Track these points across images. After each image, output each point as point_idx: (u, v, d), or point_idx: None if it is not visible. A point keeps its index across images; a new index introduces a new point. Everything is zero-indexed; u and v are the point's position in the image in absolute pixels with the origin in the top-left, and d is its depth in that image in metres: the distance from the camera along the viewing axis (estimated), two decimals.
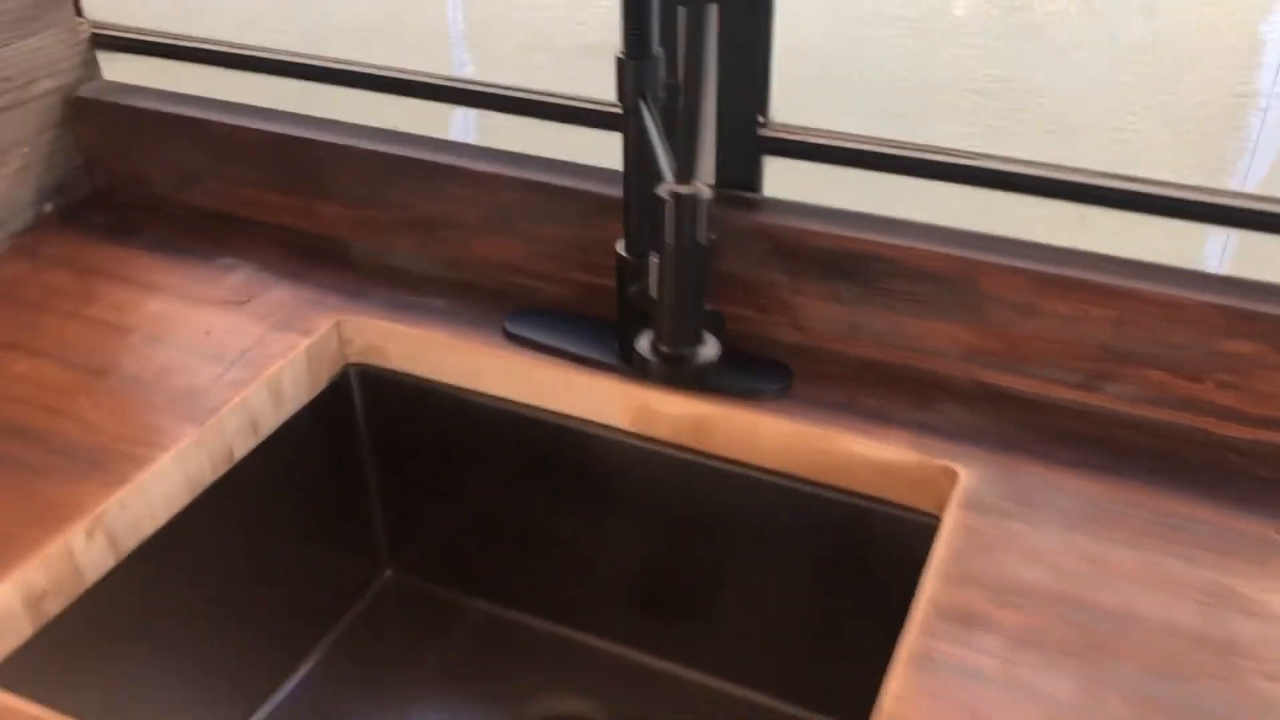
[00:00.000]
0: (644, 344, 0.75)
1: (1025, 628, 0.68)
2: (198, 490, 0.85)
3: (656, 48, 0.74)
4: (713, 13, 0.64)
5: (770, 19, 0.86)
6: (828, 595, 0.88)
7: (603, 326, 0.91)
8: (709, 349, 0.75)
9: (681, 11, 0.63)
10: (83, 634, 0.77)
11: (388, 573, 1.09)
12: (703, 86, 0.64)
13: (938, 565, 0.72)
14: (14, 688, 0.67)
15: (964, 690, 0.64)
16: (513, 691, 0.98)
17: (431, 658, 1.01)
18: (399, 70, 1.05)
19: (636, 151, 0.76)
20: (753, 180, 0.93)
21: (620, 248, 0.84)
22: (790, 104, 0.91)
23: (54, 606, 0.75)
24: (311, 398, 0.95)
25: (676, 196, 0.66)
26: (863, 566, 0.85)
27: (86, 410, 0.87)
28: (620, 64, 0.74)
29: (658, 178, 0.67)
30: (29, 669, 0.72)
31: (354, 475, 1.03)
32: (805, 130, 0.91)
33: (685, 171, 0.65)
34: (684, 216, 0.66)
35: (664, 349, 0.73)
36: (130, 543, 0.80)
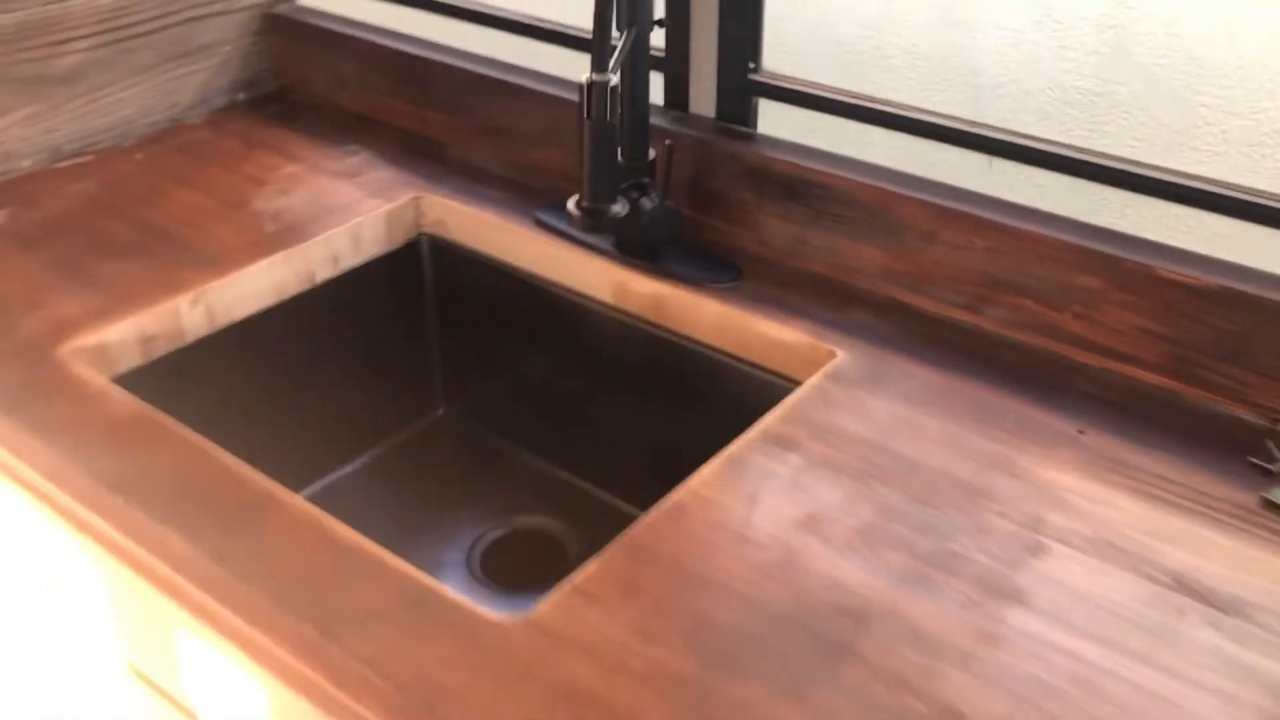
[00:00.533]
0: (570, 203, 0.97)
1: (826, 456, 0.86)
2: (283, 297, 1.14)
3: None
4: None
5: None
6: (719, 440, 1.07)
7: (598, 217, 1.14)
8: (619, 206, 0.96)
9: None
10: (176, 378, 1.06)
11: (440, 410, 1.35)
12: (605, 8, 0.86)
13: (782, 408, 0.91)
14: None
15: (753, 484, 0.83)
16: (502, 506, 1.22)
17: (456, 475, 1.27)
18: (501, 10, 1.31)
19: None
20: (746, 117, 1.13)
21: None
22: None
23: (159, 349, 1.05)
24: (387, 251, 1.23)
25: (590, 84, 0.88)
26: (747, 420, 1.02)
27: (218, 228, 1.17)
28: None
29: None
30: (134, 388, 1.01)
31: (417, 321, 1.29)
32: (789, 79, 1.11)
33: (600, 65, 0.87)
34: (595, 99, 0.88)
35: (584, 204, 0.95)
36: (223, 320, 1.09)
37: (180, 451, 0.88)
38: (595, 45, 0.87)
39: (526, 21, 1.29)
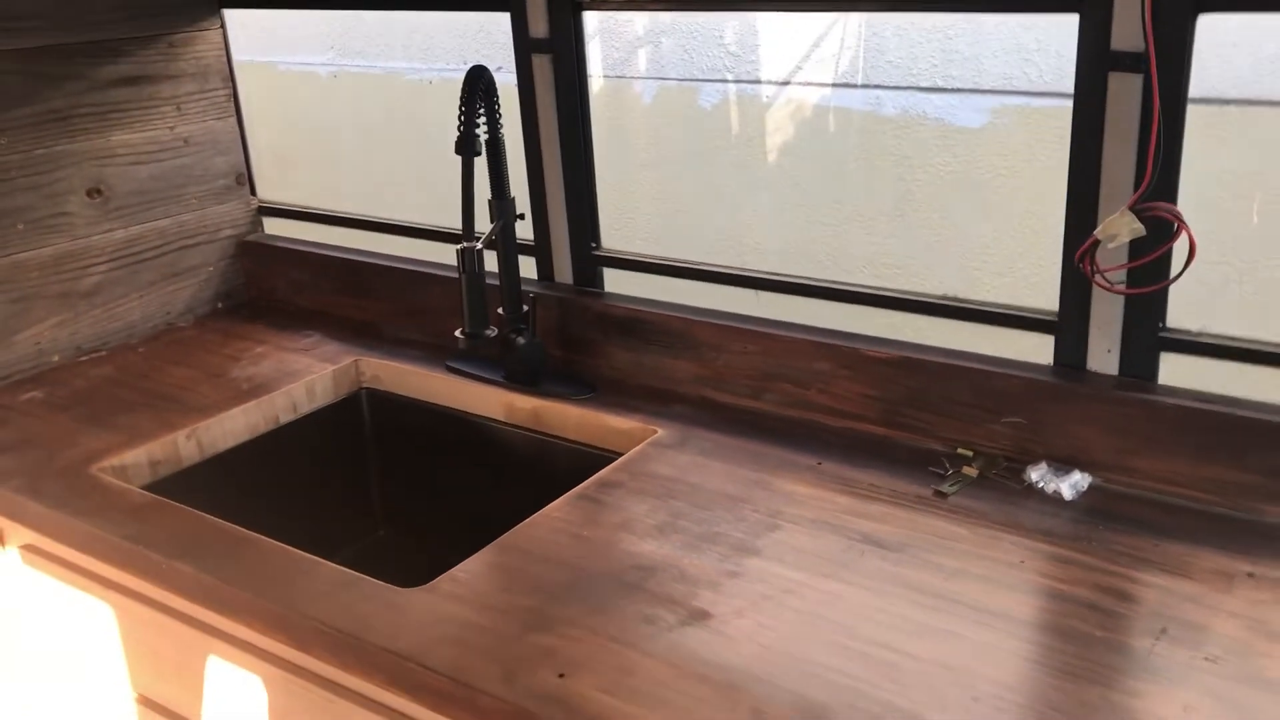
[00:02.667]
0: (457, 333, 1.37)
1: (639, 487, 1.23)
2: (255, 434, 1.51)
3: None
4: (496, 149, 1.31)
5: (593, 185, 1.52)
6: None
7: (495, 364, 1.54)
8: (489, 332, 1.36)
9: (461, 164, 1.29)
10: (177, 493, 1.42)
11: (381, 532, 1.70)
12: (471, 199, 1.30)
13: (613, 465, 1.29)
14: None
15: (586, 508, 1.20)
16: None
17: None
18: (419, 223, 1.76)
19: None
20: (594, 281, 1.56)
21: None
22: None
23: (164, 470, 1.41)
24: (335, 400, 1.61)
25: (462, 249, 1.30)
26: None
27: (204, 389, 1.56)
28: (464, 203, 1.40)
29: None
30: (159, 521, 1.36)
31: (360, 456, 1.66)
32: (624, 252, 1.54)
33: (469, 236, 1.30)
34: (466, 259, 1.30)
35: (465, 331, 1.35)
36: (210, 450, 1.46)
37: (183, 519, 1.23)
38: (464, 224, 1.30)
39: (433, 228, 1.73)
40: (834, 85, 2.18)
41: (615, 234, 1.59)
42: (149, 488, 1.37)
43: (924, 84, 2.07)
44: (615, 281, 1.57)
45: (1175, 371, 1.21)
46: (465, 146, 1.29)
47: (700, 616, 1.01)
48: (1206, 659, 0.92)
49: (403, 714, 1.01)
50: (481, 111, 1.36)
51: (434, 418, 1.58)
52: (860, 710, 0.88)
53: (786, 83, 2.28)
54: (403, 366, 1.61)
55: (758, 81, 2.32)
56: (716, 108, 2.33)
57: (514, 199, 1.46)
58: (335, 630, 1.02)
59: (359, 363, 1.64)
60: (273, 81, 2.96)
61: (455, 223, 1.69)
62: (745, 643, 0.97)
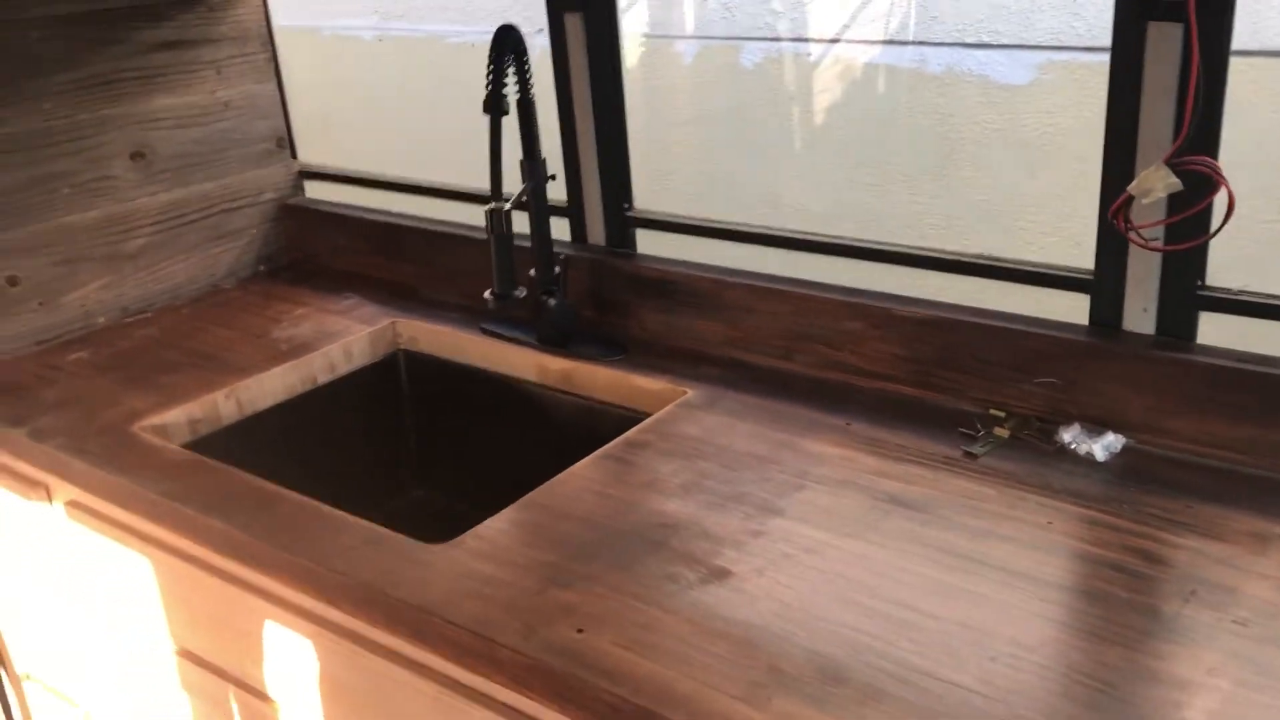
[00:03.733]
0: (486, 294, 1.37)
1: (667, 448, 1.23)
2: (293, 394, 1.54)
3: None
4: (527, 110, 1.31)
5: (625, 146, 1.51)
6: None
7: (528, 325, 1.54)
8: (518, 292, 1.37)
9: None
10: (215, 452, 1.44)
11: (416, 491, 1.72)
12: (499, 159, 1.30)
13: (642, 425, 1.29)
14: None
15: (614, 467, 1.20)
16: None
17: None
18: (450, 185, 1.76)
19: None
20: (626, 242, 1.56)
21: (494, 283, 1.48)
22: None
23: (203, 429, 1.44)
24: (372, 361, 1.63)
25: (491, 210, 1.30)
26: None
27: (245, 350, 1.58)
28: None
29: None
30: (196, 479, 1.39)
31: (397, 415, 1.68)
32: (657, 212, 1.54)
33: (496, 197, 1.30)
34: (494, 220, 1.30)
35: (495, 291, 1.35)
36: (249, 409, 1.49)
37: (218, 476, 1.25)
38: (492, 184, 1.30)
39: (469, 191, 1.73)
40: (878, 43, 2.15)
41: (654, 194, 1.58)
42: (188, 446, 1.39)
43: (970, 40, 2.03)
44: (652, 243, 1.57)
45: (1224, 333, 1.19)
46: (493, 106, 1.29)
47: (721, 575, 1.01)
48: (1235, 621, 0.90)
49: (424, 665, 1.03)
50: (512, 71, 1.36)
51: (468, 379, 1.59)
52: (876, 668, 0.88)
53: (832, 40, 2.25)
54: (438, 328, 1.62)
55: (800, 39, 2.29)
56: (758, 67, 2.30)
57: (545, 160, 1.45)
58: (361, 584, 1.04)
59: (396, 324, 1.66)
60: (317, 46, 2.98)
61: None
62: (765, 600, 0.97)
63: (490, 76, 1.29)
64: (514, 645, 0.94)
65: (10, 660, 1.64)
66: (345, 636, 1.08)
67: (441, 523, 1.63)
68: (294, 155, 1.94)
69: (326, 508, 1.17)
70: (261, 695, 1.23)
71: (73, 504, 1.36)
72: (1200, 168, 1.04)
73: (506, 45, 1.31)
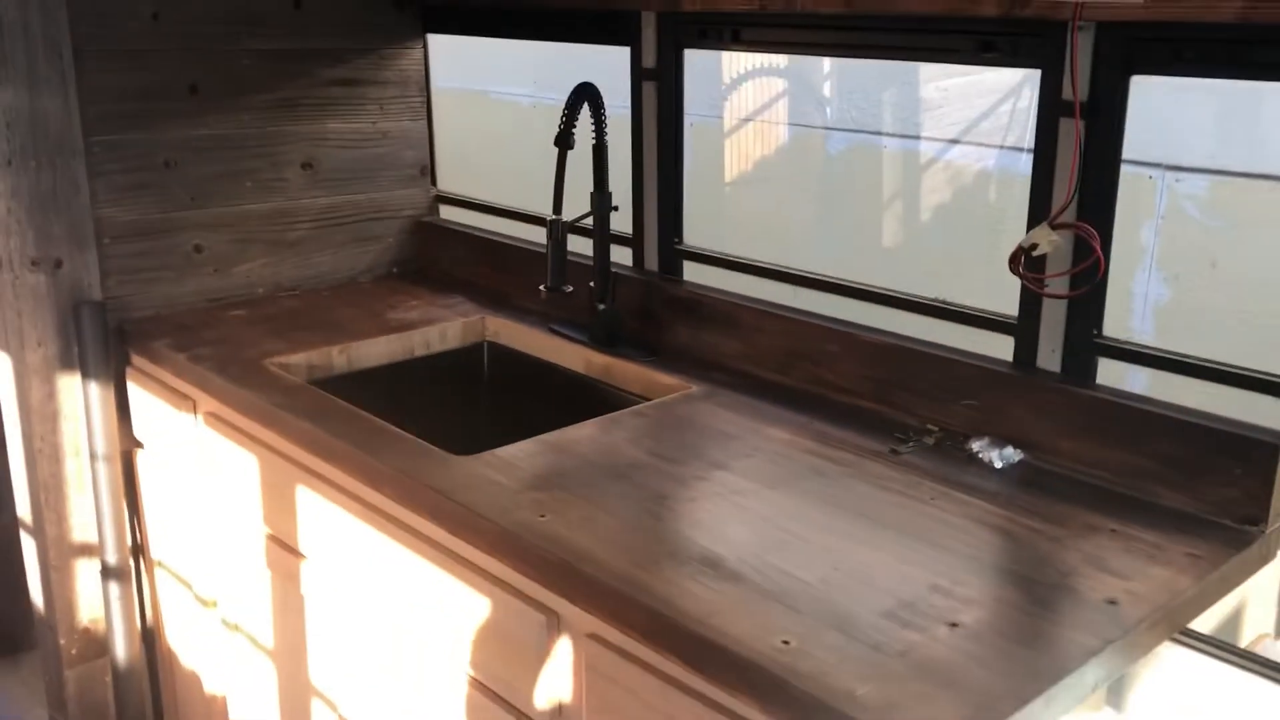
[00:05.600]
0: (541, 286, 1.71)
1: (658, 420, 1.54)
2: (393, 360, 1.91)
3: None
4: (600, 151, 1.66)
5: (680, 191, 1.85)
6: None
7: (584, 327, 1.88)
8: (568, 289, 1.71)
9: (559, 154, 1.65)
10: (325, 389, 1.82)
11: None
12: (562, 183, 1.65)
13: (646, 404, 1.59)
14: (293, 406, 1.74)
15: (611, 426, 1.51)
16: None
17: None
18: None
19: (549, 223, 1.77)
20: (675, 270, 1.88)
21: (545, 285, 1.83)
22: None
23: (318, 374, 1.83)
24: (461, 346, 2.00)
25: (553, 221, 1.65)
26: None
27: (361, 323, 1.97)
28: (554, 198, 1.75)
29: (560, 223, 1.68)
30: (303, 399, 1.77)
31: (475, 394, 2.03)
32: (699, 247, 1.86)
33: (557, 209, 1.64)
34: (554, 229, 1.65)
35: (548, 285, 1.69)
36: (356, 365, 1.87)
37: (320, 400, 1.63)
38: (555, 201, 1.66)
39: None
40: (971, 144, 2.43)
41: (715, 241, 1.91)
42: (302, 390, 1.78)
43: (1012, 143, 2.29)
44: (697, 274, 1.89)
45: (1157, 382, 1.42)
46: (562, 140, 1.65)
47: (661, 498, 1.31)
48: (1025, 576, 1.15)
49: (420, 532, 1.36)
50: (591, 120, 1.72)
51: (533, 367, 1.94)
52: (745, 563, 1.16)
53: (948, 141, 2.53)
54: (518, 326, 1.98)
55: (909, 137, 2.59)
56: (841, 155, 2.62)
57: (610, 193, 1.80)
58: (399, 473, 1.38)
59: (485, 320, 2.02)
60: (483, 106, 3.45)
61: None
62: (685, 518, 1.26)
63: (564, 117, 1.65)
64: (490, 517, 1.26)
65: (149, 548, 2.05)
66: (381, 515, 1.42)
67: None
68: (434, 182, 2.36)
69: (391, 426, 1.52)
70: (322, 567, 1.58)
71: (211, 415, 1.76)
72: (1079, 230, 1.30)
73: (582, 96, 1.68)
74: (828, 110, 2.98)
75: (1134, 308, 2.39)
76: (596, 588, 1.14)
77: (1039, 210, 1.39)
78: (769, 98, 3.15)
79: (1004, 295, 1.60)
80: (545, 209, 2.19)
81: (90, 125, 1.90)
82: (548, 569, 1.19)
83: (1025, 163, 2.40)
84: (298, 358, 1.81)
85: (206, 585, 1.89)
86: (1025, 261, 1.36)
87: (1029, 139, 2.56)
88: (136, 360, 1.96)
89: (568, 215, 1.76)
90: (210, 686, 1.94)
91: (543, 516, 1.26)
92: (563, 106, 1.69)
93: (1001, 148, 2.68)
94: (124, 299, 1.99)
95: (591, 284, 1.83)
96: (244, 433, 1.68)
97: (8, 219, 1.83)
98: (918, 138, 2.86)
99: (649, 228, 1.90)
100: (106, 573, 1.97)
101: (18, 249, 1.85)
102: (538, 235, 2.15)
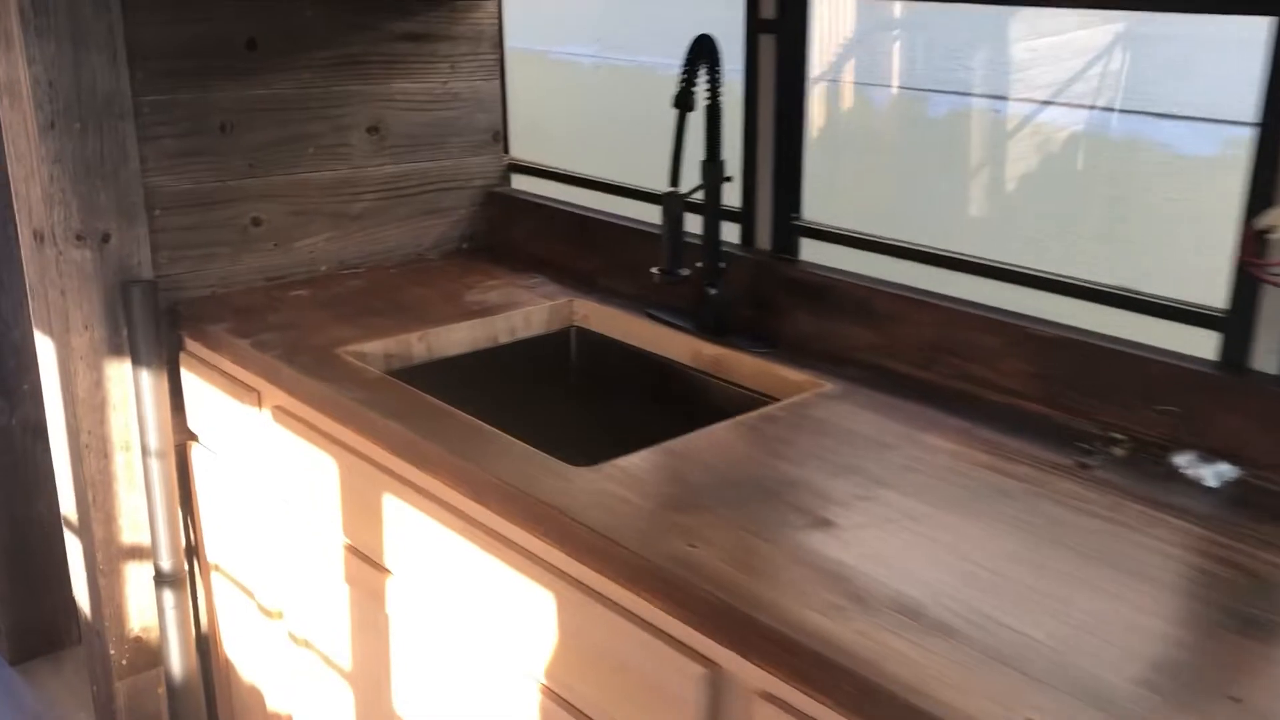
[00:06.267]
0: (654, 269, 1.51)
1: (795, 423, 1.34)
2: (476, 348, 1.72)
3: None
4: (714, 114, 1.45)
5: (800, 159, 1.64)
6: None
7: (687, 313, 1.68)
8: (685, 271, 1.50)
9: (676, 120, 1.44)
10: (405, 380, 1.63)
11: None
12: (681, 150, 1.45)
13: (777, 405, 1.40)
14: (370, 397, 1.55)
15: (746, 433, 1.32)
16: None
17: None
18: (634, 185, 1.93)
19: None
20: (791, 249, 1.68)
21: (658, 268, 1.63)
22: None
23: (396, 364, 1.64)
24: (548, 332, 1.80)
25: (669, 195, 1.45)
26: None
27: (438, 306, 1.78)
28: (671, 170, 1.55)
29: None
30: (386, 393, 1.59)
31: (562, 386, 1.84)
32: (821, 223, 1.66)
33: (674, 182, 1.44)
34: (671, 204, 1.45)
35: (662, 268, 1.49)
36: (437, 353, 1.68)
37: (403, 395, 1.44)
38: (671, 173, 1.46)
39: (649, 190, 1.89)
40: (1059, 104, 2.22)
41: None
42: (380, 381, 1.59)
43: (1155, 109, 2.08)
44: (811, 252, 1.69)
45: None
46: (681, 101, 1.45)
47: (825, 524, 1.11)
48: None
49: (535, 554, 1.16)
50: (705, 78, 1.51)
51: (628, 356, 1.74)
52: (947, 609, 0.96)
53: (1030, 101, 2.32)
54: (610, 310, 1.78)
55: (995, 97, 2.38)
56: (944, 119, 2.40)
57: (724, 162, 1.60)
58: (509, 486, 1.19)
59: (573, 303, 1.82)
60: (543, 67, 3.24)
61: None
62: (860, 548, 1.07)
63: (683, 76, 1.45)
64: (631, 546, 1.06)
65: (204, 551, 1.88)
66: (486, 532, 1.24)
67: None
68: (506, 150, 2.16)
69: (490, 428, 1.33)
70: (411, 583, 1.39)
71: (279, 409, 1.57)
72: None
73: (701, 51, 1.47)
74: (911, 70, 2.77)
75: None
76: (773, 640, 0.95)
77: (1263, 188, 1.19)
78: (847, 54, 2.93)
79: (1128, 271, 1.40)
80: (625, 178, 2.01)
81: (140, 84, 1.70)
82: (708, 613, 1.00)
83: (1117, 124, 2.20)
84: (374, 345, 1.62)
85: (271, 595, 1.71)
86: (1255, 246, 1.15)
87: (1120, 100, 2.36)
88: (191, 345, 1.78)
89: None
90: (274, 704, 1.77)
91: (693, 547, 1.07)
92: (682, 66, 1.48)
93: (1093, 108, 2.47)
94: (176, 277, 1.80)
95: (699, 264, 1.63)
96: (319, 430, 1.50)
97: (50, 188, 1.64)
98: (1006, 98, 2.64)
99: (762, 201, 1.70)
100: (160, 578, 1.80)
101: (61, 221, 1.66)
102: (621, 207, 1.96)
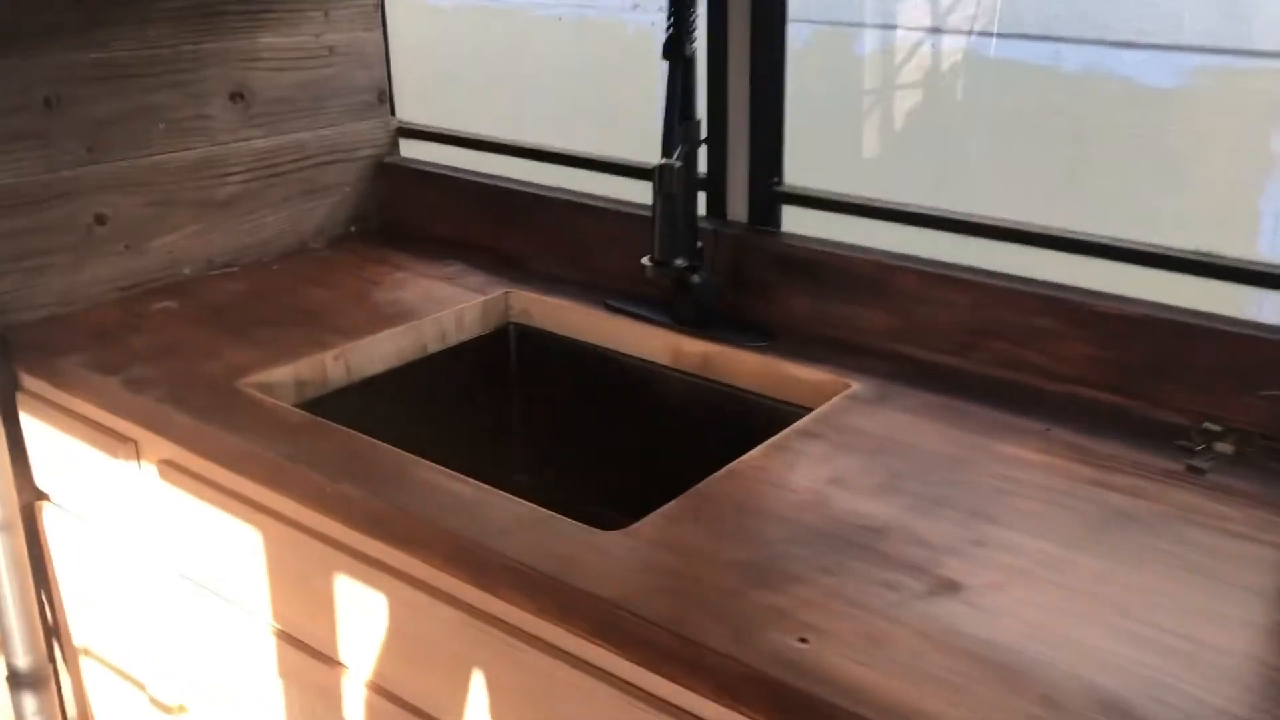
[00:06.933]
0: (645, 260, 1.25)
1: (845, 442, 1.10)
2: (402, 360, 1.41)
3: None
4: (687, 65, 1.18)
5: (782, 112, 1.39)
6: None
7: (660, 304, 1.42)
8: (681, 261, 1.24)
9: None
10: (327, 414, 1.32)
11: (518, 476, 1.59)
12: (675, 109, 1.17)
13: (811, 416, 1.16)
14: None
15: (790, 458, 1.08)
16: None
17: None
18: (569, 150, 1.64)
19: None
20: (771, 220, 1.43)
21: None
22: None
23: (312, 393, 1.31)
24: (483, 334, 1.51)
25: (662, 167, 1.18)
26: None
27: (347, 311, 1.45)
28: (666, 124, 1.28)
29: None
30: (315, 439, 1.27)
31: (503, 393, 1.55)
32: (806, 188, 1.42)
33: (667, 152, 1.17)
34: (665, 176, 1.18)
35: (656, 257, 1.23)
36: (360, 374, 1.36)
37: (343, 440, 1.13)
38: (665, 138, 1.18)
39: (589, 157, 1.61)
40: (1006, 36, 2.03)
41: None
42: (299, 407, 1.27)
43: (1112, 38, 1.92)
44: (791, 222, 1.45)
45: None
46: (673, 49, 1.17)
47: (950, 587, 0.88)
48: None
49: (607, 670, 0.90)
50: (669, 23, 1.23)
51: (588, 357, 1.47)
52: (1169, 705, 0.75)
53: (948, 31, 2.13)
54: (557, 301, 1.49)
55: (924, 30, 2.17)
56: (871, 56, 2.19)
57: (699, 122, 1.33)
58: (529, 569, 0.91)
59: (509, 295, 1.53)
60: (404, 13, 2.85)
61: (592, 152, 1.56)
62: (1009, 619, 0.84)
63: (671, 15, 1.17)
64: (727, 650, 0.81)
65: (69, 636, 1.51)
66: (505, 630, 0.95)
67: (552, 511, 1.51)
68: (393, 112, 1.82)
69: (472, 481, 1.04)
70: (385, 692, 1.10)
71: (168, 464, 1.23)
72: None
73: None
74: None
75: None
76: None
77: None
78: None
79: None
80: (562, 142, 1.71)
81: None
82: None
83: (996, 47, 2.04)
84: (281, 372, 1.29)
85: (169, 686, 1.37)
86: None
87: (997, 23, 2.19)
88: (31, 384, 1.40)
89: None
90: None
91: (804, 642, 0.82)
92: (668, 6, 1.19)
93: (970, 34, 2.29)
94: (4, 297, 1.41)
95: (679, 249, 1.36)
96: (231, 493, 1.17)
97: None
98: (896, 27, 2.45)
99: (735, 163, 1.44)
100: (16, 679, 1.43)
101: None
102: (548, 176, 1.67)
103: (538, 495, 1.55)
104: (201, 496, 1.20)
